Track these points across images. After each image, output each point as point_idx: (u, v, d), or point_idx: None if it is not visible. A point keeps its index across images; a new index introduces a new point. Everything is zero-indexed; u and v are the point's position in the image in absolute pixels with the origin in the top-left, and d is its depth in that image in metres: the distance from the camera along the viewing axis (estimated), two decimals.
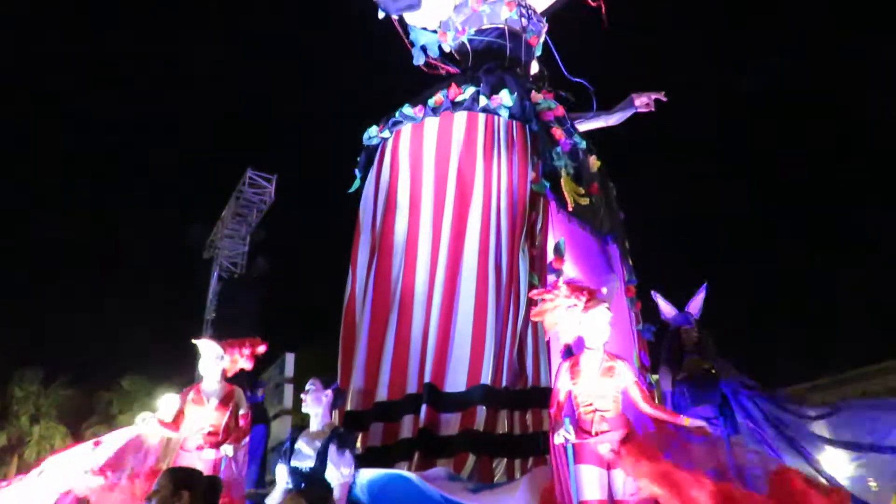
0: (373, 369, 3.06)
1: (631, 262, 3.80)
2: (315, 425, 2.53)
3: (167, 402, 3.17)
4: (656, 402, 2.88)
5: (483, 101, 3.53)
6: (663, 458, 2.11)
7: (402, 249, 3.32)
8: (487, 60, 3.96)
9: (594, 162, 3.67)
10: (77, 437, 14.61)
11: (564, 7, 4.81)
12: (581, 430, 2.24)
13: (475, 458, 2.62)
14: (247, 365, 2.91)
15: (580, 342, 2.75)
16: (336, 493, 2.36)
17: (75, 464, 2.67)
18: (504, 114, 3.50)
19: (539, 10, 4.47)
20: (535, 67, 4.42)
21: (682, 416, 2.40)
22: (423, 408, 2.78)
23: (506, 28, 4.12)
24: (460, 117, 3.54)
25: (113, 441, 2.75)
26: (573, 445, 2.17)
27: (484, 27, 4.15)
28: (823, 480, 2.69)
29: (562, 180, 3.32)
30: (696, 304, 3.42)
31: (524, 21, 4.17)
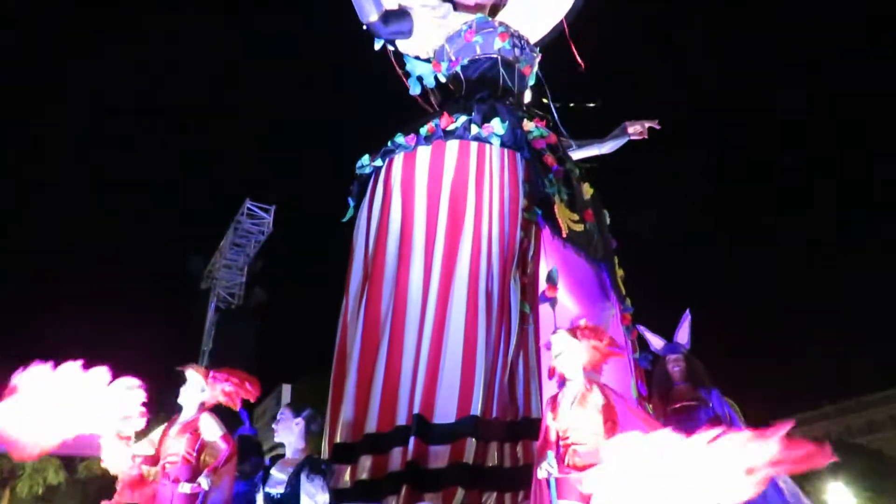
0: (362, 400, 3.01)
1: (624, 290, 3.76)
2: (288, 453, 2.50)
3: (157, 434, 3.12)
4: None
5: (475, 129, 3.54)
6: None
7: (392, 278, 3.29)
8: (480, 90, 3.98)
9: (587, 189, 3.67)
10: (70, 470, 14.43)
11: (556, 39, 4.87)
12: (561, 463, 2.20)
13: (464, 492, 2.55)
14: (228, 402, 2.84)
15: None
16: None
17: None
18: (496, 142, 3.51)
19: (532, 41, 4.51)
20: (528, 96, 4.44)
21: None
22: (412, 440, 2.72)
23: (499, 58, 4.14)
24: (452, 146, 3.55)
25: None
26: (556, 480, 2.12)
27: (477, 57, 4.17)
28: None
29: (555, 207, 3.32)
30: (682, 333, 3.39)
31: (517, 51, 4.19)
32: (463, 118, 3.59)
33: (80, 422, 2.71)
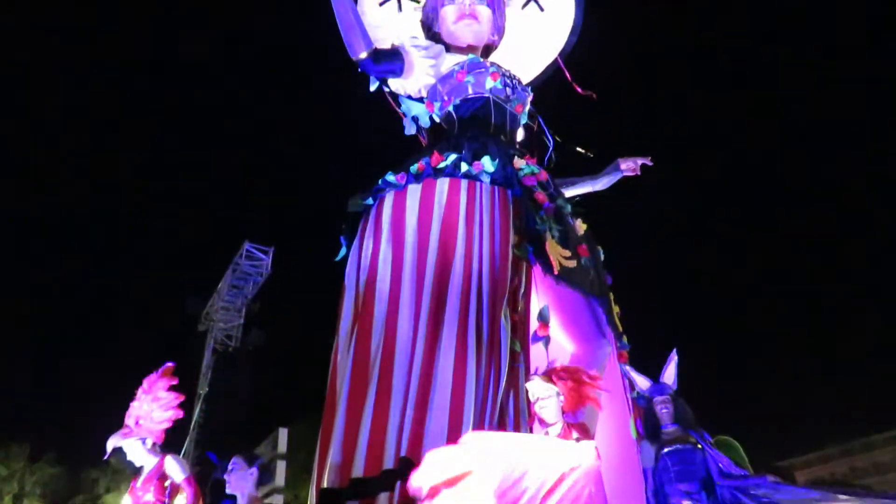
0: (350, 444, 2.92)
1: (621, 328, 3.71)
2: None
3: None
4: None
5: (464, 167, 3.53)
6: None
7: (382, 319, 3.24)
8: (472, 128, 3.99)
9: (580, 225, 3.64)
10: None
11: (550, 79, 4.93)
12: None
13: None
14: (161, 414, 2.73)
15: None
16: None
17: None
18: (486, 179, 3.50)
19: (525, 81, 4.55)
20: (521, 134, 4.46)
21: None
22: (398, 484, 2.64)
23: (490, 97, 4.17)
24: (442, 184, 3.54)
25: None
26: None
27: (469, 97, 4.20)
28: None
29: (546, 244, 3.29)
30: (669, 374, 3.33)
31: (508, 91, 4.23)
32: (453, 156, 3.59)
33: None
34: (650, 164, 4.41)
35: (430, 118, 4.42)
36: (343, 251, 3.84)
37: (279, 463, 11.61)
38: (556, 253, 3.27)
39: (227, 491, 2.52)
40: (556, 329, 3.53)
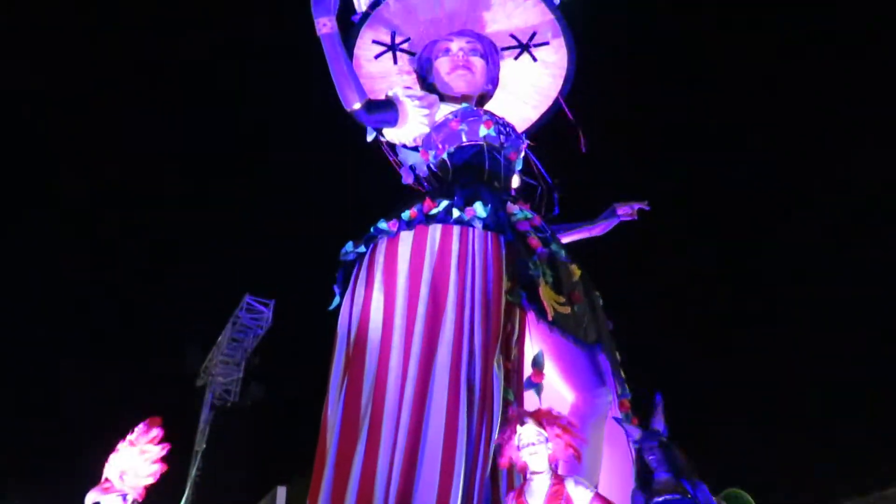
0: (338, 498, 2.82)
1: (623, 375, 3.61)
2: None
3: None
4: None
5: (456, 213, 3.52)
6: None
7: (373, 370, 3.18)
8: (466, 175, 3.99)
9: (575, 270, 3.58)
10: None
11: (546, 126, 4.96)
12: None
13: None
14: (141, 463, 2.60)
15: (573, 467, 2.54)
16: None
17: None
18: (478, 225, 3.48)
19: (519, 129, 4.58)
20: (516, 181, 4.46)
21: None
22: None
23: (484, 144, 4.18)
24: (434, 230, 3.52)
25: None
26: None
27: (463, 144, 4.22)
28: None
29: (540, 289, 3.23)
30: (658, 420, 3.22)
31: (502, 138, 4.24)
32: (445, 202, 3.59)
33: None
34: (647, 208, 4.40)
35: (427, 167, 4.43)
36: (337, 300, 3.79)
37: None
38: (550, 299, 3.21)
39: None
40: (554, 378, 3.44)
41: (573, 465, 2.77)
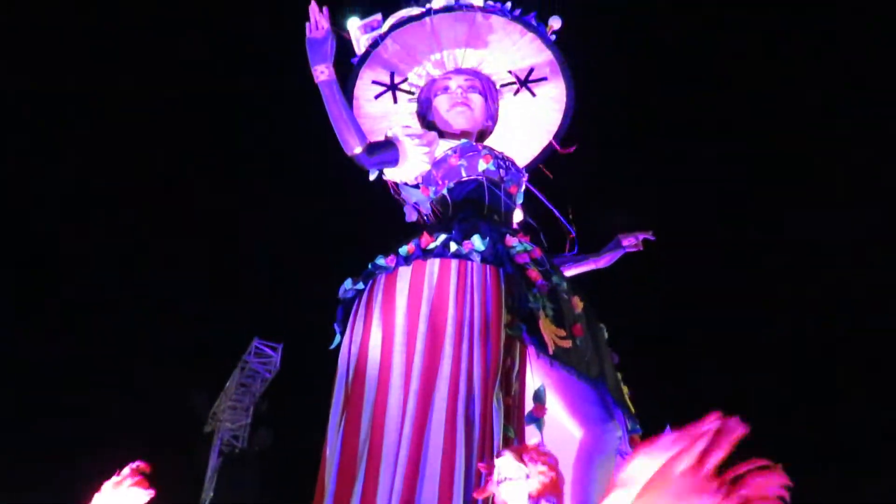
0: None
1: (632, 409, 3.51)
2: None
3: None
4: None
5: (454, 246, 3.49)
6: None
7: (370, 408, 3.13)
8: (465, 210, 3.98)
9: (577, 302, 3.53)
10: None
11: (545, 161, 4.96)
12: None
13: None
14: None
15: None
16: None
17: None
18: (476, 258, 3.45)
19: (522, 164, 4.59)
20: (519, 215, 4.44)
21: None
22: None
23: (484, 179, 4.17)
24: (432, 265, 3.49)
25: None
26: None
27: (462, 179, 4.22)
28: None
29: (540, 322, 3.18)
30: None
31: (502, 172, 4.24)
32: (443, 236, 3.57)
33: None
34: (652, 238, 4.38)
35: (429, 203, 4.43)
36: (338, 339, 3.76)
37: None
38: (551, 332, 3.15)
39: None
40: (560, 413, 3.35)
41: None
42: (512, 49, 4.54)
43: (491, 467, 2.27)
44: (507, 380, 3.03)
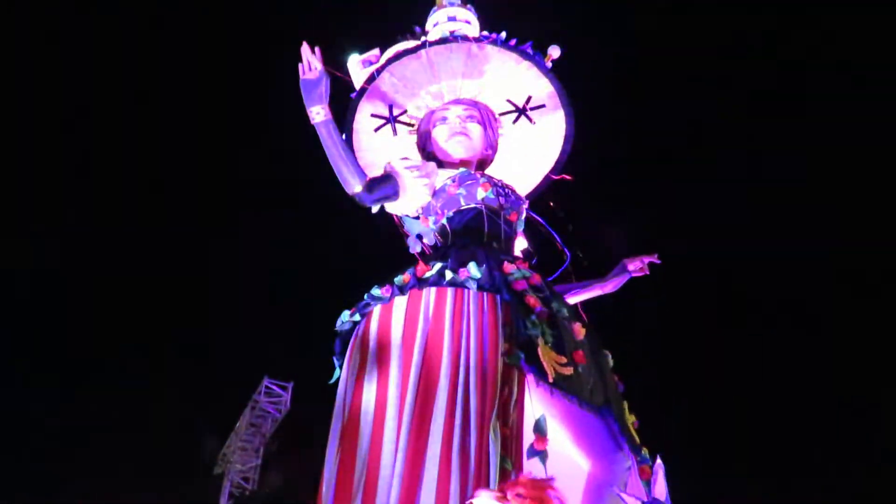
0: None
1: (638, 439, 3.39)
2: None
3: None
4: None
5: (449, 275, 3.44)
6: None
7: (366, 444, 3.05)
8: (465, 238, 3.93)
9: (579, 329, 3.45)
10: None
11: (546, 190, 4.92)
12: None
13: None
14: None
15: None
16: None
17: None
18: (472, 286, 3.39)
19: (523, 192, 4.56)
20: (522, 242, 4.39)
21: None
22: None
23: (483, 207, 4.14)
24: (428, 293, 3.44)
25: None
26: None
27: (462, 208, 4.19)
28: None
29: (539, 349, 3.09)
30: (659, 488, 2.98)
31: (501, 199, 4.20)
32: (438, 265, 3.53)
33: None
34: (658, 262, 4.31)
35: (433, 234, 4.39)
36: (337, 373, 3.69)
37: None
38: (551, 359, 3.06)
39: None
40: (566, 445, 3.24)
41: None
42: (509, 78, 4.54)
43: None
44: (505, 410, 2.94)
